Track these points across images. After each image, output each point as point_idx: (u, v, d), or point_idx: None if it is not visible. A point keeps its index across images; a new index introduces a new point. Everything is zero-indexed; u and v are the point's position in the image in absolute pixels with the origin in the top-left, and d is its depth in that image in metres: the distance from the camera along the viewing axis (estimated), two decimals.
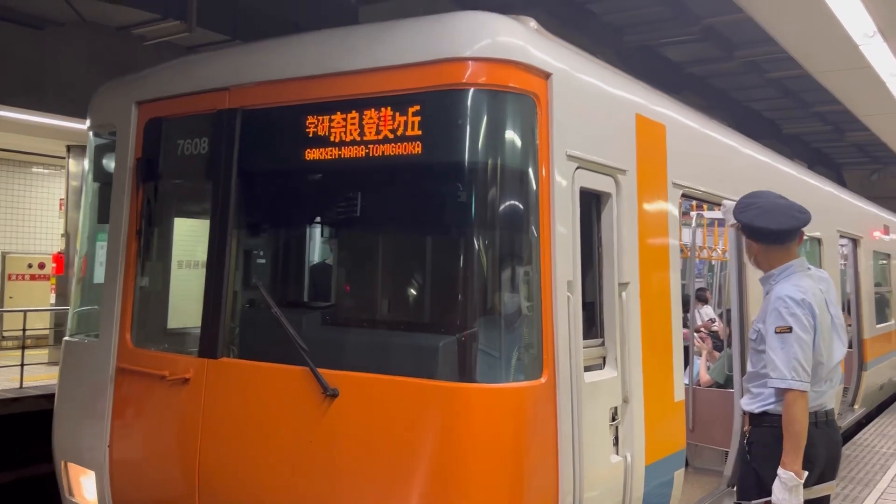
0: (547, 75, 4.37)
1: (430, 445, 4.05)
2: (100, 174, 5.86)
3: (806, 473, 4.17)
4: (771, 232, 4.54)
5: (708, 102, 14.54)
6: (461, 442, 4.02)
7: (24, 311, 13.21)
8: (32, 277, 18.19)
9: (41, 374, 12.89)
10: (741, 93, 15.81)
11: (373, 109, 4.36)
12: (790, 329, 4.23)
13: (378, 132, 4.33)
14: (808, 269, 4.58)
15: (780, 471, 4.17)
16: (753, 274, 6.99)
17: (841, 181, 19.76)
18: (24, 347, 12.57)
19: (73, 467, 5.50)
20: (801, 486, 4.13)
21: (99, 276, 5.70)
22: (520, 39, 4.34)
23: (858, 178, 24.67)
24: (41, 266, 18.27)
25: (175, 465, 4.84)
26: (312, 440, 4.32)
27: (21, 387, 11.82)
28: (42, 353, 14.70)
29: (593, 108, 4.84)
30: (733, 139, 7.42)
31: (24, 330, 12.93)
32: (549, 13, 10.71)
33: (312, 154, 4.55)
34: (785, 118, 17.80)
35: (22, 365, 12.07)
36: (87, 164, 6.08)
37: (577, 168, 4.54)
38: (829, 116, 17.17)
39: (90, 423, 5.33)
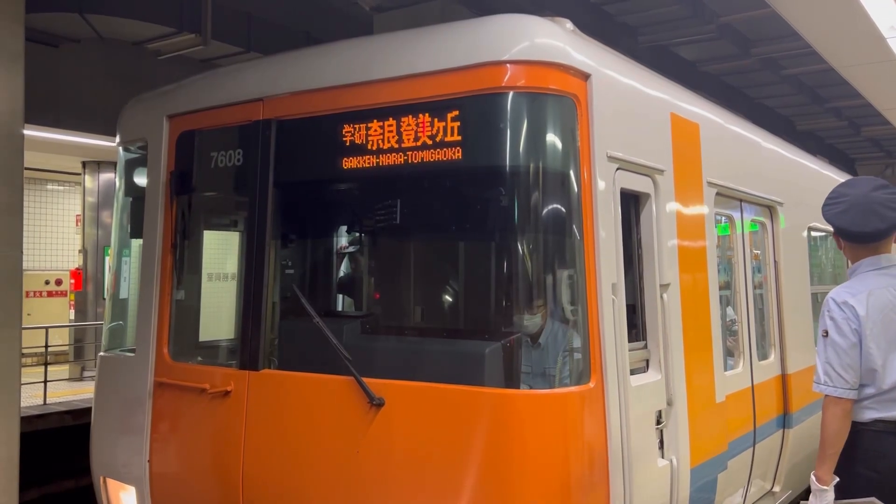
0: (586, 76, 4.33)
1: (480, 453, 4.01)
2: (131, 189, 5.85)
3: (835, 479, 4.03)
4: (849, 233, 4.26)
5: (721, 101, 14.44)
6: (511, 449, 3.97)
7: (46, 328, 13.23)
8: (50, 294, 18.23)
9: (63, 391, 12.90)
10: (755, 90, 15.70)
11: (410, 116, 4.33)
12: (827, 333, 4.12)
13: (416, 139, 4.29)
14: (883, 266, 4.22)
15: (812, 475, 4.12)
16: (787, 276, 6.96)
17: (855, 175, 19.65)
18: (46, 364, 12.57)
19: (112, 483, 5.48)
20: (827, 492, 4.02)
21: (133, 290, 5.68)
22: (558, 41, 4.30)
23: (873, 172, 24.51)
24: (58, 282, 18.31)
25: (218, 479, 4.81)
26: (359, 450, 4.29)
27: (45, 403, 11.83)
28: (62, 370, 14.72)
29: (631, 108, 4.80)
30: (762, 136, 7.37)
31: (46, 346, 12.93)
32: (563, 15, 10.64)
33: (350, 163, 4.52)
34: (799, 115, 17.69)
35: (45, 381, 12.07)
36: (117, 179, 6.07)
37: (618, 169, 4.50)
38: (846, 112, 17.05)
39: (129, 438, 5.30)
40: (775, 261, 6.88)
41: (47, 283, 18.25)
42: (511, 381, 4.11)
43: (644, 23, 11.85)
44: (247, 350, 4.80)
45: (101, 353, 5.83)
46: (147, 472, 5.17)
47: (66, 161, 15.90)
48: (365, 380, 4.28)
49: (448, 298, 4.97)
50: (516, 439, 3.97)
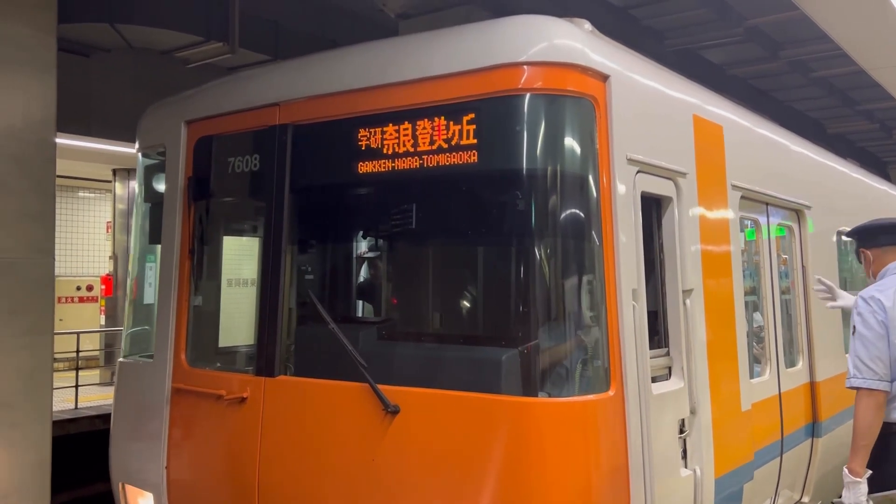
0: (605, 77, 4.25)
1: (496, 462, 3.93)
2: (150, 195, 5.85)
3: (868, 472, 4.11)
4: (883, 227, 4.58)
5: (749, 104, 14.27)
6: (528, 458, 3.89)
7: (77, 334, 13.40)
8: (81, 300, 18.43)
9: (94, 395, 13.03)
10: (784, 93, 15.51)
11: (426, 119, 4.27)
12: (855, 329, 4.29)
13: (432, 142, 4.23)
14: None
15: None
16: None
17: (886, 179, 19.34)
18: (77, 369, 12.73)
19: (130, 489, 5.47)
20: (860, 484, 4.10)
21: (151, 296, 5.68)
22: (576, 42, 4.22)
23: None
24: (89, 288, 18.50)
25: (235, 486, 4.77)
26: (374, 458, 4.23)
27: (76, 407, 11.96)
28: (93, 374, 14.89)
29: (651, 110, 4.71)
30: (789, 139, 7.23)
31: (77, 352, 13.11)
32: (588, 19, 10.55)
33: (365, 167, 4.47)
34: (829, 118, 17.45)
35: (77, 386, 12.21)
36: (137, 185, 6.08)
37: (638, 172, 4.41)
38: (877, 114, 16.79)
39: (147, 445, 5.29)
40: (803, 266, 6.74)
41: (78, 288, 18.45)
42: (528, 388, 4.02)
43: (670, 26, 11.75)
44: (263, 356, 4.77)
45: (121, 359, 5.84)
46: (165, 478, 5.15)
47: (96, 169, 16.10)
48: (381, 387, 4.23)
49: (464, 304, 4.90)
50: (533, 448, 3.89)
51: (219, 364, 5.46)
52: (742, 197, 5.67)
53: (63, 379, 12.47)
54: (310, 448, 4.49)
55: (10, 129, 5.61)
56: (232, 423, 4.83)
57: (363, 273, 5.47)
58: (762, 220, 6.25)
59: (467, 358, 4.33)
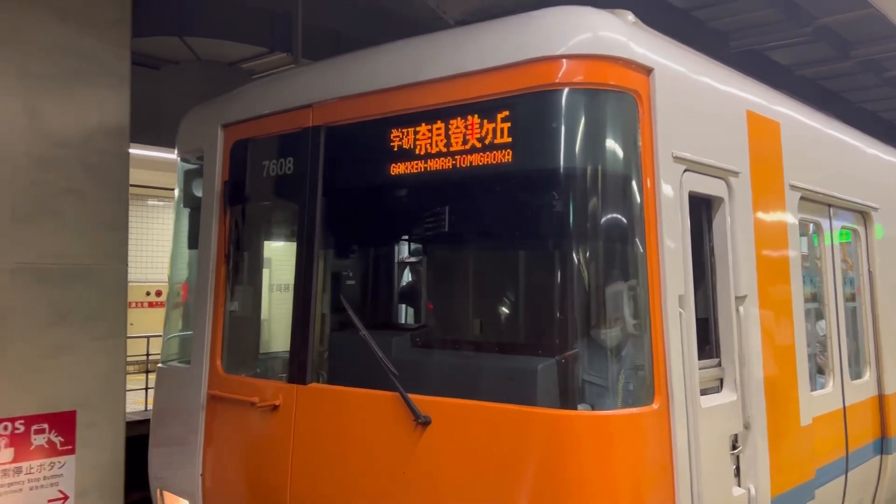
0: (648, 71, 4.01)
1: (532, 478, 3.72)
2: (189, 199, 5.82)
3: None
4: None
5: (817, 105, 13.78)
6: (566, 475, 3.67)
7: (147, 337, 13.66)
8: (150, 305, 18.87)
9: None
10: (855, 94, 14.95)
11: (459, 118, 4.09)
12: None
13: (465, 142, 4.05)
14: None
15: None
16: (883, 287, 6.43)
17: None
18: (147, 371, 12.95)
19: (168, 496, 5.42)
20: None
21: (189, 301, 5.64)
22: (617, 33, 4.00)
23: None
24: (158, 294, 18.94)
25: (267, 494, 4.66)
26: (405, 470, 4.06)
27: (146, 409, 12.15)
28: None
29: (700, 105, 4.44)
30: (854, 136, 6.84)
31: (147, 355, 13.34)
32: (650, 21, 10.27)
33: (398, 168, 4.32)
34: None
35: (147, 388, 12.41)
36: (176, 190, 6.06)
37: (685, 171, 4.15)
38: None
39: (183, 451, 5.24)
40: (870, 271, 6.34)
41: (148, 294, 18.93)
42: (566, 400, 3.80)
43: (736, 27, 11.44)
44: (295, 363, 4.65)
45: (159, 365, 5.81)
46: (200, 486, 5.08)
47: (165, 177, 16.40)
48: (412, 396, 4.06)
49: (499, 311, 4.70)
50: (571, 464, 3.67)
51: (256, 370, 5.37)
52: (802, 198, 5.34)
53: (133, 381, 12.70)
54: (341, 457, 4.35)
55: (87, 140, 5.79)
56: (265, 431, 4.73)
57: (396, 278, 5.32)
58: (824, 222, 5.90)
59: (502, 367, 4.14)
